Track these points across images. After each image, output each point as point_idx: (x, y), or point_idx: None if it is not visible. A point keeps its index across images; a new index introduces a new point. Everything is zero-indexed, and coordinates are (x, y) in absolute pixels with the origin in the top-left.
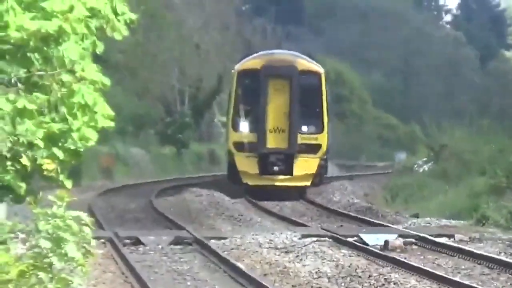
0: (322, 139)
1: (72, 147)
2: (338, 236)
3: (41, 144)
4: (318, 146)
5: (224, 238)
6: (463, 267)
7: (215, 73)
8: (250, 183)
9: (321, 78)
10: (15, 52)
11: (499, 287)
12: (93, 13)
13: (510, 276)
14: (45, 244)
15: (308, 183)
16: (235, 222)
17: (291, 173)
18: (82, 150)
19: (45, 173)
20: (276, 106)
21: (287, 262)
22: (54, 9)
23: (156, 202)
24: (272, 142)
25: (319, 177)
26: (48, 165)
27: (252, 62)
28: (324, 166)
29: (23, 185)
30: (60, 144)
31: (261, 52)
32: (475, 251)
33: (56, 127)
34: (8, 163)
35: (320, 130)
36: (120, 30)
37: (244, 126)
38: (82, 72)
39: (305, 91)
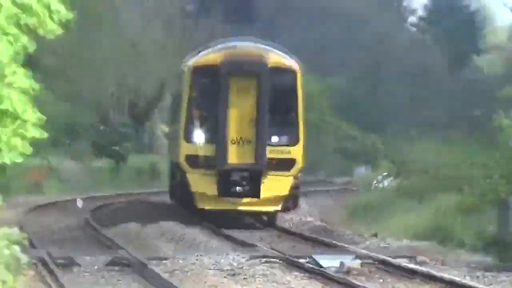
0: (297, 153)
1: None
2: (290, 258)
3: None
4: (292, 161)
5: (165, 259)
6: None
7: (157, 77)
8: (207, 207)
9: (297, 76)
10: None
11: None
12: (24, 8)
13: None
14: None
15: (279, 208)
16: (178, 241)
17: (257, 195)
18: (7, 164)
19: None
20: (239, 112)
21: (234, 286)
22: None
23: (93, 219)
24: (235, 156)
25: (293, 200)
26: None
27: (210, 56)
28: (299, 186)
29: None
30: None
31: (221, 45)
32: (437, 274)
33: None
34: None
35: (295, 141)
36: (53, 29)
37: (199, 136)
38: (11, 77)
39: (277, 92)
